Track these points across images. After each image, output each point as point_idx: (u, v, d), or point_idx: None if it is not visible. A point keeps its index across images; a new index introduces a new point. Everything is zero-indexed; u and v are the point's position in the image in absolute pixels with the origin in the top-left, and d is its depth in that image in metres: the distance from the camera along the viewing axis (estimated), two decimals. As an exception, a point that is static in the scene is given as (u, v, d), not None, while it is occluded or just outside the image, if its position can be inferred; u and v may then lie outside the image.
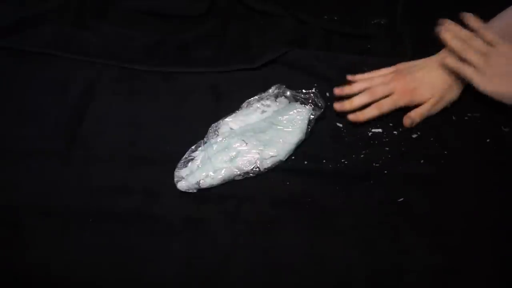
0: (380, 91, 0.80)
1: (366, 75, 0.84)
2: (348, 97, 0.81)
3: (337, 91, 0.82)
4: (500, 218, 0.70)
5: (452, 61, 0.76)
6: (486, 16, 0.80)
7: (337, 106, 0.81)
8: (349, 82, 0.83)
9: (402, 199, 0.72)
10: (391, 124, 0.80)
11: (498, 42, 0.75)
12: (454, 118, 0.80)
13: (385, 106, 0.79)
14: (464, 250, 0.68)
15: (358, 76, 0.84)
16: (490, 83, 0.73)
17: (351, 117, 0.80)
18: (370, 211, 0.72)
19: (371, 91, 0.80)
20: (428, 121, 0.80)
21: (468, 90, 0.78)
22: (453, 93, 0.79)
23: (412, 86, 0.79)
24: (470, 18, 0.78)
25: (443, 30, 0.78)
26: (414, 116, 0.79)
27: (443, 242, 0.69)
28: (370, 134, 0.80)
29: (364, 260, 0.68)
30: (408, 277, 0.66)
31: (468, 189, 0.73)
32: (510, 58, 0.74)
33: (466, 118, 0.80)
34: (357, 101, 0.80)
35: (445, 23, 0.78)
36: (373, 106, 0.80)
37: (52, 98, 0.86)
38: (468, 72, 0.75)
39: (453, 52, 0.77)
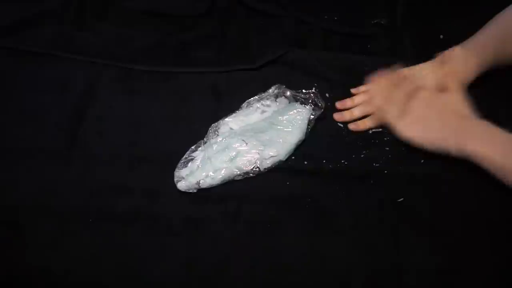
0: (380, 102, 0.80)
1: (366, 87, 0.83)
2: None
3: (339, 105, 0.83)
4: (500, 218, 0.70)
5: (372, 121, 0.79)
6: (486, 16, 0.80)
7: (337, 116, 0.82)
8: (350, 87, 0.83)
9: (402, 199, 0.72)
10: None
11: (419, 90, 0.75)
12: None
13: None
14: (464, 250, 0.68)
15: (362, 88, 0.83)
16: (408, 129, 0.73)
17: (351, 126, 0.80)
18: (370, 211, 0.72)
19: (372, 103, 0.80)
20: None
21: (468, 90, 0.78)
22: None
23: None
24: (397, 72, 0.80)
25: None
26: None
27: (443, 242, 0.69)
28: (370, 132, 0.80)
29: (364, 260, 0.68)
30: (408, 277, 0.66)
31: (468, 189, 0.73)
32: (429, 102, 0.74)
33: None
34: (357, 112, 0.81)
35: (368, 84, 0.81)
36: (373, 115, 0.80)
37: (52, 98, 0.86)
38: (388, 117, 0.75)
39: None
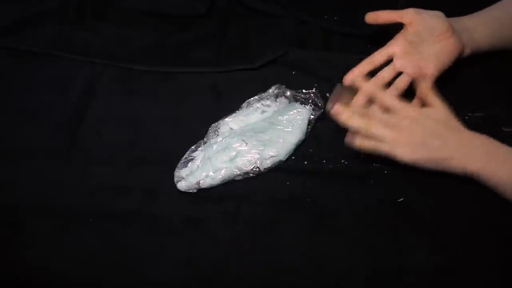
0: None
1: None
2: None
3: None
4: (500, 218, 0.70)
5: (364, 143, 0.70)
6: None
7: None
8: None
9: (402, 199, 0.72)
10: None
11: (400, 106, 0.69)
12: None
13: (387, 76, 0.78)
14: (464, 250, 0.68)
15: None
16: (409, 153, 0.68)
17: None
18: (370, 211, 0.72)
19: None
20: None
21: (469, 90, 0.78)
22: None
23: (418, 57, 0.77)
24: (364, 83, 0.73)
25: (336, 112, 0.70)
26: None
27: (443, 242, 0.69)
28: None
29: (364, 260, 0.68)
30: (408, 277, 0.66)
31: (468, 189, 0.73)
32: (418, 119, 0.68)
33: (466, 117, 0.79)
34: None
35: (336, 104, 0.70)
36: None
37: (52, 98, 0.86)
38: (385, 149, 0.69)
39: (357, 131, 0.70)
